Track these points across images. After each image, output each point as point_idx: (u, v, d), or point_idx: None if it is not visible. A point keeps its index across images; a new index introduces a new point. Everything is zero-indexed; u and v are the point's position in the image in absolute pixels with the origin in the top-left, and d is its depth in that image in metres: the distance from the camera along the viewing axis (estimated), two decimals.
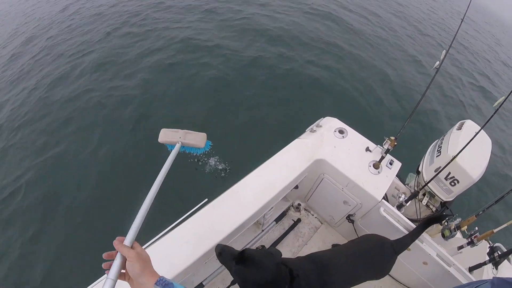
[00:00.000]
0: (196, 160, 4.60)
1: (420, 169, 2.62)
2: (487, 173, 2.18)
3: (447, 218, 2.16)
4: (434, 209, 2.62)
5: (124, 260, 0.88)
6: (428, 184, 2.50)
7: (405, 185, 2.76)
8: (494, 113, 1.94)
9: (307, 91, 6.45)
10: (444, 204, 2.57)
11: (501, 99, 1.87)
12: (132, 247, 0.91)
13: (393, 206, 2.23)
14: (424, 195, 2.64)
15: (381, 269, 1.82)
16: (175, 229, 1.79)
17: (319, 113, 2.91)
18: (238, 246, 2.47)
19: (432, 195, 2.55)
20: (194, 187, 4.26)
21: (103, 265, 0.89)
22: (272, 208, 2.32)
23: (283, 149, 2.36)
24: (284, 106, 5.94)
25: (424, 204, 2.60)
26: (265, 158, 2.29)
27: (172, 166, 1.32)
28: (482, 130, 2.48)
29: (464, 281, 2.05)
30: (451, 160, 2.07)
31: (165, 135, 1.60)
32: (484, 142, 2.38)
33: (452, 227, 2.08)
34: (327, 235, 2.85)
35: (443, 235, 2.13)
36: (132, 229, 0.96)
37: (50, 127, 5.39)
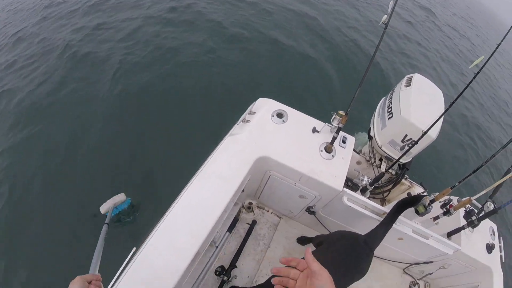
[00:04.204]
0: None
1: (372, 133, 2.33)
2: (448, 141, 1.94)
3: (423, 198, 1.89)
4: (394, 172, 2.40)
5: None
6: (384, 149, 2.24)
7: (358, 153, 2.47)
8: (475, 76, 1.63)
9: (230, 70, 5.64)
10: (403, 166, 2.36)
11: (478, 60, 1.54)
12: None
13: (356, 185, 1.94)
14: (380, 160, 2.39)
15: (360, 269, 1.57)
16: None
17: (251, 96, 2.32)
18: (196, 272, 2.10)
19: (389, 159, 2.30)
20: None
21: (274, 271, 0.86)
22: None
23: (213, 154, 1.85)
24: (205, 95, 4.97)
25: (383, 170, 2.35)
26: (192, 168, 1.79)
27: None
28: (431, 82, 2.25)
29: (444, 249, 1.91)
30: (422, 135, 1.84)
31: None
32: (436, 95, 2.14)
33: (427, 203, 1.82)
34: (288, 229, 2.52)
35: (416, 212, 1.87)
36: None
37: None
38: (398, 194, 2.61)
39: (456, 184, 1.80)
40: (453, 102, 1.71)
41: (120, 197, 3.25)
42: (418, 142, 2.00)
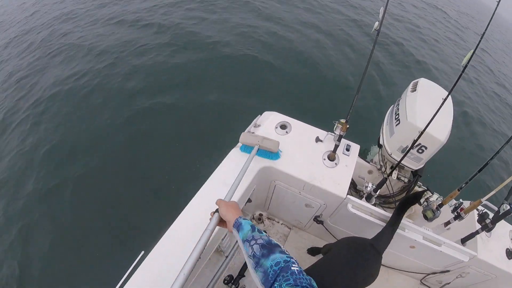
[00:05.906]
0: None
1: (381, 142, 2.29)
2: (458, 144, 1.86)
3: (424, 196, 1.84)
4: (406, 179, 2.32)
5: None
6: (394, 156, 2.19)
7: (369, 162, 2.42)
8: (463, 72, 1.57)
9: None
10: (415, 173, 2.29)
11: (468, 55, 1.49)
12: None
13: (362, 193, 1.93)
14: (392, 168, 2.32)
15: (369, 274, 1.57)
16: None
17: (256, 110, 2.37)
18: (206, 280, 2.10)
19: (401, 166, 2.24)
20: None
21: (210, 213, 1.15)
22: (226, 233, 1.93)
23: (220, 164, 1.89)
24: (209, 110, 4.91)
25: (395, 178, 2.29)
26: (200, 180, 1.82)
27: None
28: (437, 85, 2.19)
29: (459, 256, 1.84)
30: (421, 134, 1.76)
31: (245, 138, 1.87)
32: (442, 98, 2.08)
33: (435, 207, 1.76)
34: (298, 240, 2.49)
35: (425, 217, 1.81)
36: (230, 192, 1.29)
37: None
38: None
39: (463, 185, 1.72)
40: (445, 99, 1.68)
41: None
42: (428, 147, 1.95)
